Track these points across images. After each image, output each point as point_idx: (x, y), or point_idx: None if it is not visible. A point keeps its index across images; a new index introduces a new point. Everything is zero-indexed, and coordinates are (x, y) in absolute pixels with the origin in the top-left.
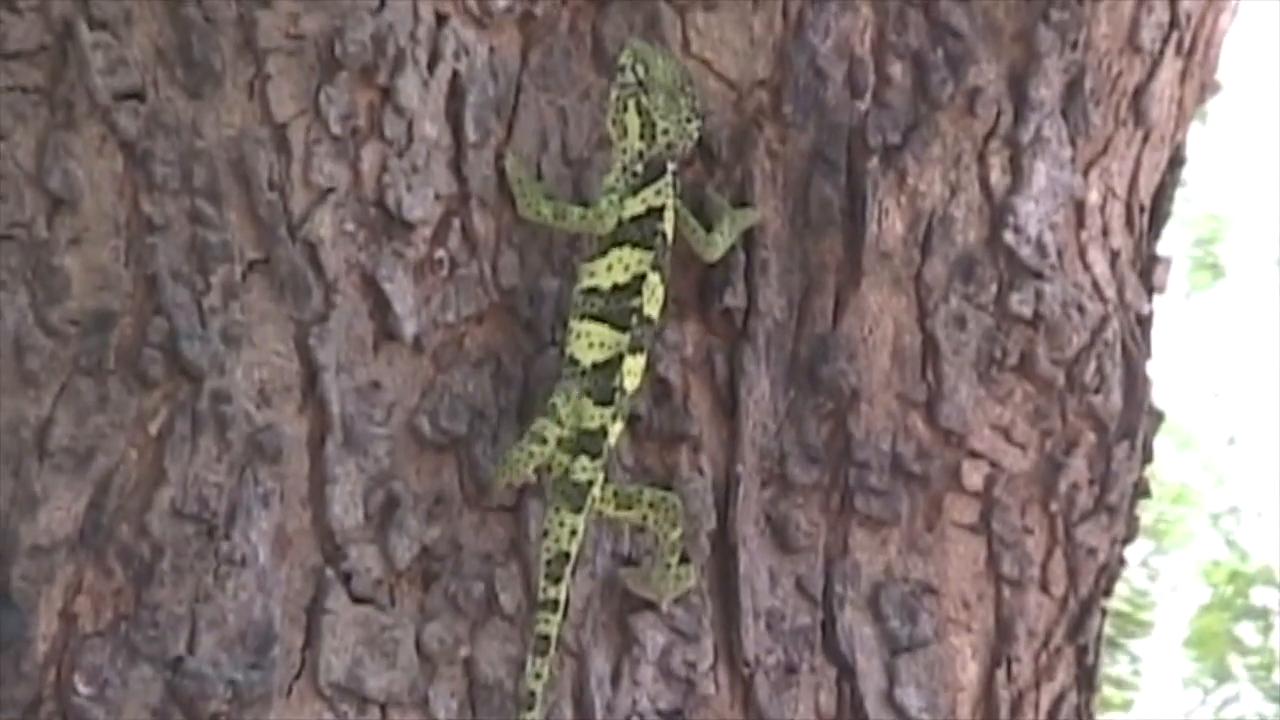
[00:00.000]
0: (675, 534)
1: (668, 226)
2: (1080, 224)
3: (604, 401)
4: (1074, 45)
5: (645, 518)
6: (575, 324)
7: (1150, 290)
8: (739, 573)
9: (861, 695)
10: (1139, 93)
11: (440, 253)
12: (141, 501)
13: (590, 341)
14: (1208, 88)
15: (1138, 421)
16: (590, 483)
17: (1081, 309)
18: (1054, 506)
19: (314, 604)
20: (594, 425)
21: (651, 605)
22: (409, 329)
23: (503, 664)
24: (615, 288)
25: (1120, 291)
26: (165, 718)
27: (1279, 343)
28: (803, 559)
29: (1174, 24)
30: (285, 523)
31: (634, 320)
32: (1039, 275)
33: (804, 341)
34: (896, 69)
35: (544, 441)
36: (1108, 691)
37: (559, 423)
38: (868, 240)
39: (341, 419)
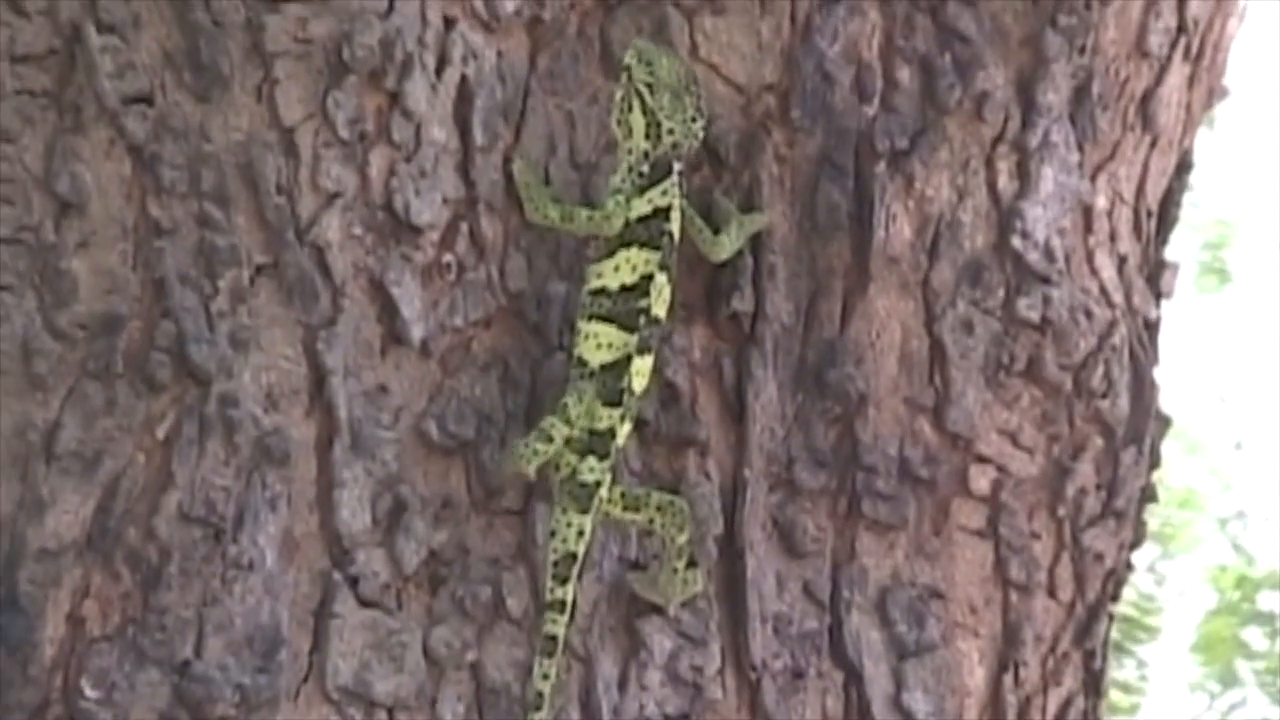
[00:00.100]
0: (682, 538)
1: (674, 227)
2: (1088, 229)
3: (612, 402)
4: (1082, 50)
5: (652, 521)
6: (583, 325)
7: (1158, 295)
8: (746, 577)
9: (869, 700)
10: (1147, 98)
11: (448, 257)
12: (149, 505)
13: (598, 342)
14: (1215, 93)
15: (1145, 426)
16: (598, 484)
17: (1089, 314)
18: (1061, 511)
19: (321, 608)
20: (602, 426)
21: (659, 609)
22: (416, 333)
23: (510, 668)
24: (623, 288)
25: (1128, 297)
26: None
27: None
28: (810, 563)
29: (1182, 29)
30: (293, 526)
31: (642, 321)
32: (1046, 280)
33: (811, 346)
34: (904, 74)
35: (550, 440)
36: (1115, 696)
37: (568, 422)
38: (875, 245)
39: (349, 423)
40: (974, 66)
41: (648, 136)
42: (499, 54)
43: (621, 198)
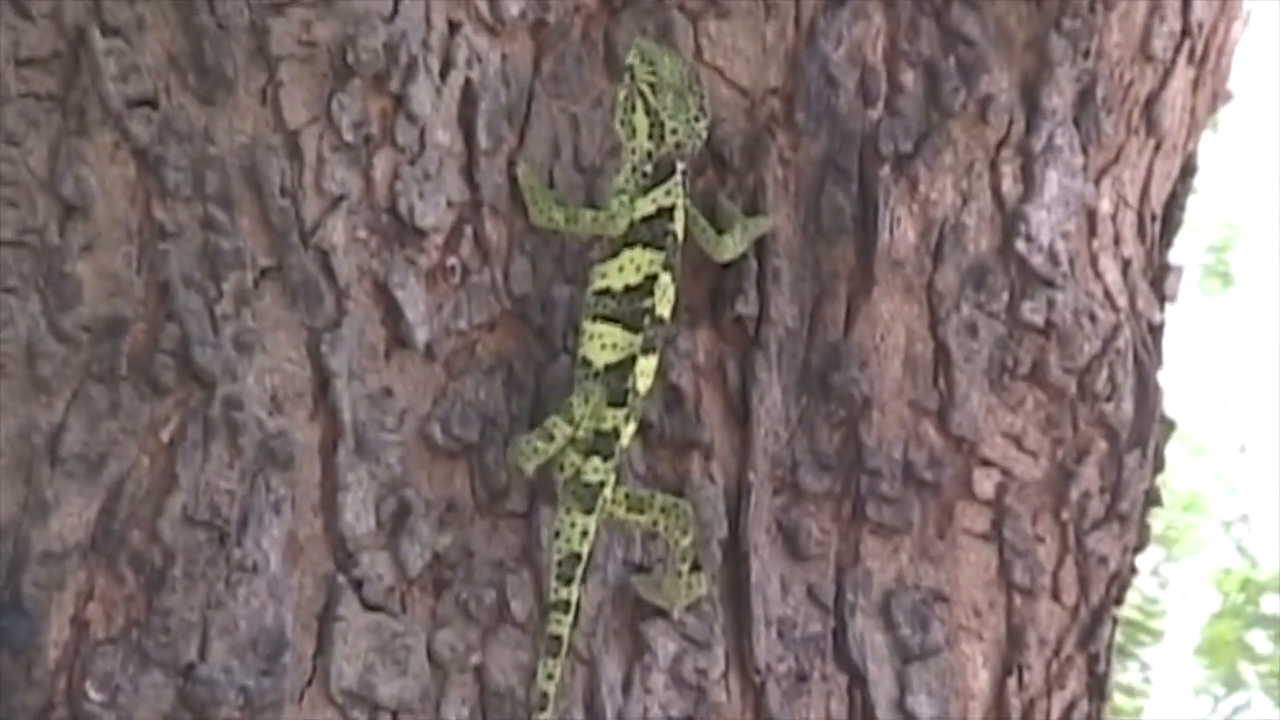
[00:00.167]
0: (686, 541)
1: (678, 226)
2: (1092, 232)
3: (617, 403)
4: (1086, 54)
5: (656, 523)
6: (588, 325)
7: (1162, 299)
8: (750, 580)
9: (873, 703)
10: (1151, 101)
11: (452, 260)
12: (153, 508)
13: (603, 343)
14: (1220, 96)
15: (1149, 430)
16: (602, 484)
17: (1093, 317)
18: (1065, 515)
19: (325, 611)
20: (607, 426)
21: (663, 613)
22: (421, 336)
23: (514, 671)
24: (627, 289)
25: (1132, 300)
26: None
27: None
28: (814, 567)
29: (1186, 32)
30: (297, 529)
31: (646, 321)
32: (1051, 284)
33: (816, 349)
34: (909, 77)
35: (551, 439)
36: (1118, 699)
37: (570, 422)
38: (880, 248)
39: (353, 426)
40: (978, 70)
41: (651, 136)
42: (503, 57)
43: (625, 198)
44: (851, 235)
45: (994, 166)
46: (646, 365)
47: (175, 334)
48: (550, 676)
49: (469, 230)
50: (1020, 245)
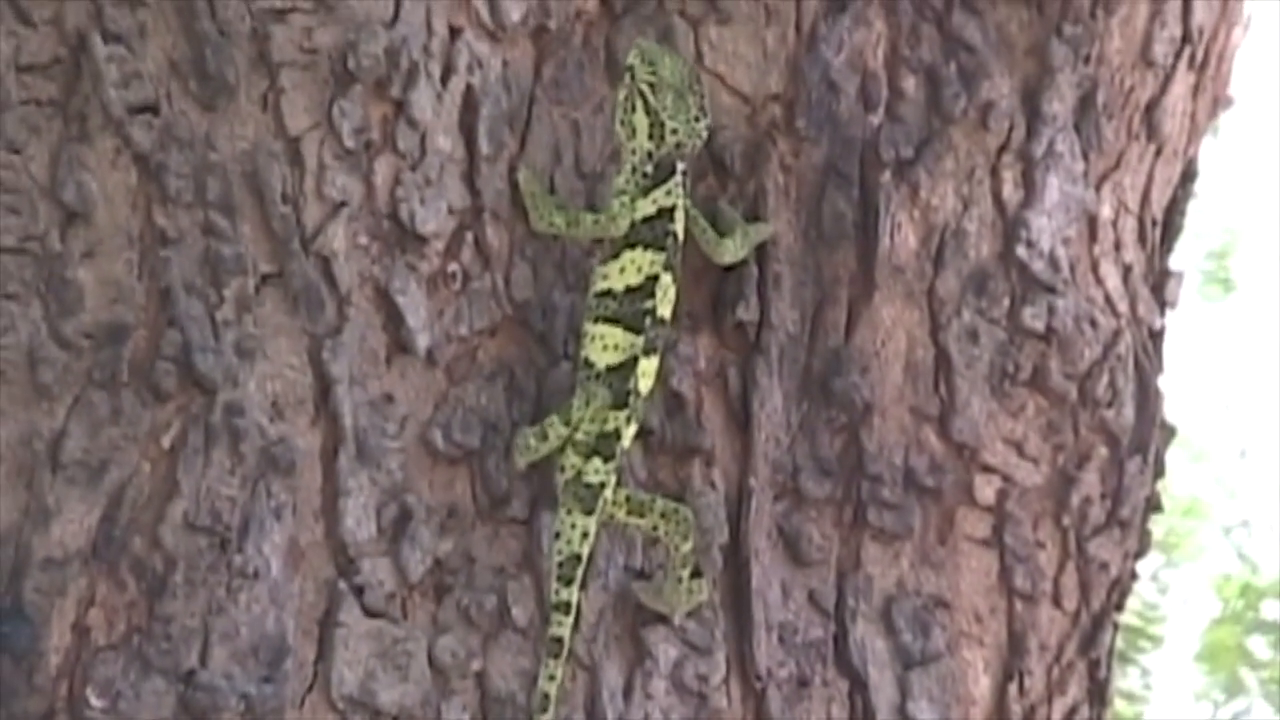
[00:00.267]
0: (687, 546)
1: (679, 227)
2: (1093, 238)
3: (618, 404)
4: (1087, 60)
5: (656, 528)
6: (589, 327)
7: (1162, 304)
8: (751, 586)
9: (874, 709)
10: (1152, 107)
11: (453, 266)
12: (154, 514)
13: (605, 344)
14: (1220, 102)
15: (1150, 435)
16: (602, 485)
17: (1094, 323)
18: (1066, 520)
19: (326, 617)
20: (608, 428)
21: (664, 618)
22: (422, 342)
23: (515, 677)
24: (628, 289)
25: (1133, 306)
26: None
27: None
28: (815, 572)
29: (1186, 38)
30: (298, 535)
31: (648, 322)
32: (1051, 289)
33: (817, 355)
34: (909, 83)
35: (545, 438)
36: (1119, 705)
37: (567, 423)
38: (880, 254)
39: (354, 432)
40: (979, 76)
41: (651, 136)
42: (504, 63)
43: (626, 199)
44: (852, 241)
45: (995, 172)
46: (648, 366)
47: (176, 340)
48: (552, 678)
49: (470, 236)
50: (1021, 251)
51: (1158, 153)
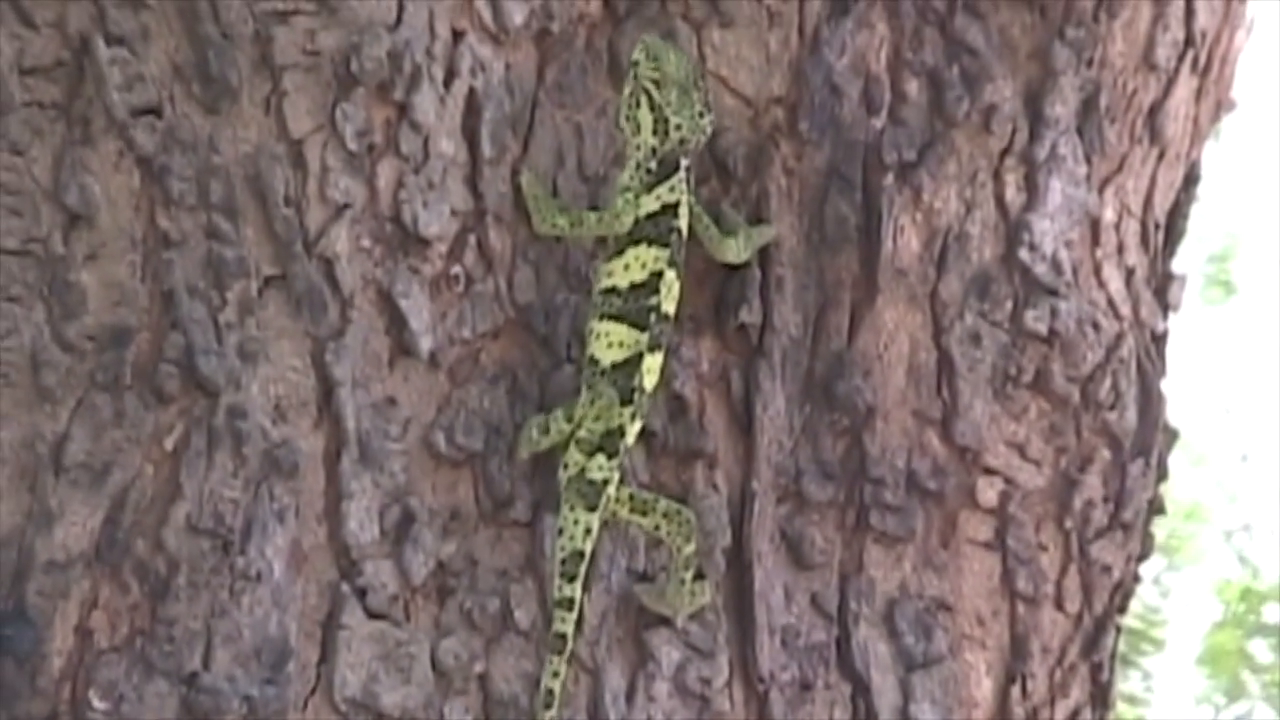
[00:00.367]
0: (689, 548)
1: (682, 222)
2: (1095, 241)
3: (623, 401)
4: (1089, 63)
5: (658, 527)
6: (595, 324)
7: (1165, 308)
8: (754, 589)
9: (876, 712)
10: (1154, 110)
11: (456, 269)
12: (157, 517)
13: (609, 341)
14: (1223, 105)
15: (1152, 438)
16: (605, 481)
17: (1097, 326)
18: (1069, 523)
19: (329, 619)
20: (613, 424)
21: (667, 621)
22: (425, 345)
23: (518, 680)
24: (633, 286)
25: (1135, 309)
26: None
27: None
28: (818, 575)
29: (1189, 42)
30: (301, 538)
31: (652, 319)
32: (1054, 292)
33: (819, 358)
34: (912, 86)
35: (546, 431)
36: (1120, 708)
37: (570, 419)
38: (883, 257)
39: (357, 434)
40: (982, 79)
41: (655, 132)
42: (507, 66)
43: (630, 195)
44: (855, 244)
45: (997, 175)
46: (653, 363)
47: (179, 343)
48: (556, 674)
49: (472, 239)
50: (1024, 254)
51: (1160, 156)
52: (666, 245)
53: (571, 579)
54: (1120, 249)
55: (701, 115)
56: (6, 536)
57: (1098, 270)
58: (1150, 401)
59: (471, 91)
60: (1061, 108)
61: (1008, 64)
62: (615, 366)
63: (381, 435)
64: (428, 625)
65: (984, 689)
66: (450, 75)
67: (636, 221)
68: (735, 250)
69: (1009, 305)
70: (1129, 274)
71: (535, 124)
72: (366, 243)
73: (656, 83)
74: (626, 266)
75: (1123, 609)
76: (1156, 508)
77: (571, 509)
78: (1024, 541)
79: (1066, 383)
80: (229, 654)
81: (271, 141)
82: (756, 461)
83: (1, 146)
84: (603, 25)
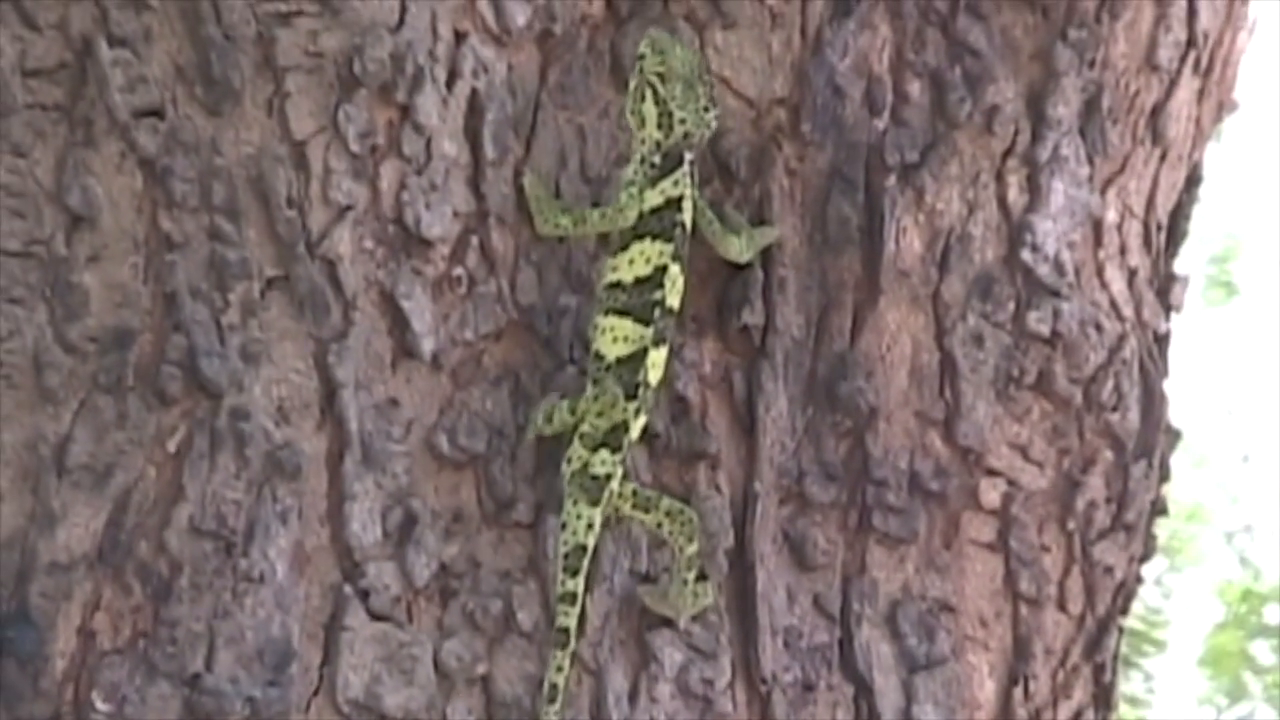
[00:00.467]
0: (692, 549)
1: (686, 217)
2: (1098, 242)
3: (628, 396)
4: (1092, 64)
5: (660, 526)
6: (599, 320)
7: (1168, 309)
8: (757, 590)
9: (879, 713)
10: (1157, 111)
11: (459, 270)
12: (160, 519)
13: (614, 336)
14: (1225, 106)
15: (1155, 440)
16: (609, 476)
17: (1099, 327)
18: (1071, 525)
19: (332, 621)
20: (617, 419)
21: (669, 622)
22: (427, 346)
23: (521, 681)
24: (637, 281)
25: (1138, 310)
26: None
27: None
28: (820, 577)
29: (1191, 43)
30: (304, 540)
31: (657, 313)
32: (1057, 294)
33: (822, 359)
34: (915, 87)
35: (550, 420)
36: (1122, 709)
37: (573, 412)
38: (886, 258)
39: (360, 436)
40: (984, 80)
41: (660, 126)
42: (510, 67)
43: (635, 189)
44: (857, 245)
45: (1000, 177)
46: (657, 357)
47: (182, 345)
48: (559, 669)
49: (475, 240)
50: (1026, 255)
51: (1162, 157)
52: (671, 240)
53: (574, 573)
54: (1122, 250)
55: (706, 110)
56: (9, 538)
57: (1100, 271)
58: (1153, 402)
59: (474, 93)
60: (1064, 109)
61: (1010, 65)
62: (620, 361)
63: (384, 437)
64: (430, 627)
65: (987, 690)
66: (453, 76)
67: (641, 216)
68: (739, 247)
69: (1011, 306)
70: (1131, 275)
71: (538, 125)
72: (369, 244)
73: (661, 77)
74: (631, 261)
75: (1125, 610)
76: (1159, 509)
77: (575, 503)
78: (1026, 543)
79: (1069, 384)
80: (232, 655)
81: (274, 143)
82: (759, 463)
83: (4, 148)
84: (605, 26)
